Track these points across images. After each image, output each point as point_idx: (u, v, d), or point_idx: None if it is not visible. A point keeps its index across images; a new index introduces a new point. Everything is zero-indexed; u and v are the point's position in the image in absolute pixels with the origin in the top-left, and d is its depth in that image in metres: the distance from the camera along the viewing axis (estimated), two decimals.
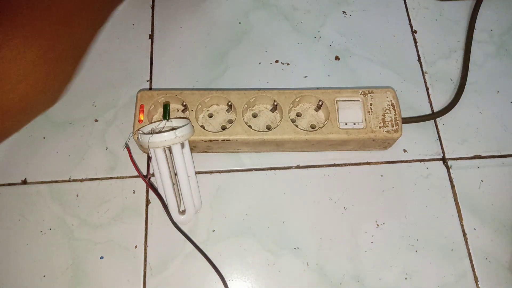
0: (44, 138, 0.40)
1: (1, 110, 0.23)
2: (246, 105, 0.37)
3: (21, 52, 0.23)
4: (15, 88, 0.23)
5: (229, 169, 0.39)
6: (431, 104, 0.42)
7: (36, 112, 0.28)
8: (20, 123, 0.27)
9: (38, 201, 0.37)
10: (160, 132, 0.34)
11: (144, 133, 0.34)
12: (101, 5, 0.32)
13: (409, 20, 0.46)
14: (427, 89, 0.43)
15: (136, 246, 0.36)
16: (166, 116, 0.37)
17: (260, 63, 0.44)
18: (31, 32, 0.23)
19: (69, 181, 0.38)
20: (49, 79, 0.25)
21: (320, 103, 0.37)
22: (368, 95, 0.38)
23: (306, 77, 0.43)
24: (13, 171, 0.38)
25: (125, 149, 0.38)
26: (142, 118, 0.36)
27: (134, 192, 0.38)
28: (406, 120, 0.40)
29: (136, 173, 0.38)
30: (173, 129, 0.34)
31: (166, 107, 0.37)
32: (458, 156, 0.40)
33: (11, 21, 0.22)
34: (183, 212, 0.36)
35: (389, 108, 0.37)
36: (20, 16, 0.23)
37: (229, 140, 0.36)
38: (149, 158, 0.38)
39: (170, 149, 0.35)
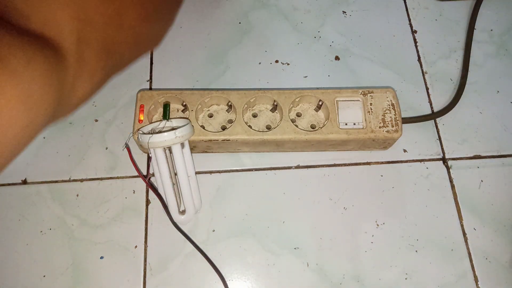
0: (44, 138, 0.40)
1: (126, 28, 0.24)
2: (246, 105, 0.37)
3: None
4: (132, 17, 0.24)
5: (229, 169, 0.39)
6: (431, 104, 0.42)
7: (143, 48, 0.29)
8: (132, 56, 0.28)
9: (38, 201, 0.37)
10: (160, 132, 0.34)
11: (144, 133, 0.34)
12: None
13: (409, 20, 0.46)
14: (427, 89, 0.43)
15: (136, 246, 0.36)
16: (166, 116, 0.37)
17: (260, 63, 0.44)
18: None
19: (69, 181, 0.38)
20: (155, 16, 0.27)
21: (320, 103, 0.37)
22: (368, 95, 0.38)
23: (306, 77, 0.43)
24: (13, 171, 0.38)
25: (125, 149, 0.38)
26: (142, 118, 0.36)
27: (134, 192, 0.38)
28: (406, 120, 0.40)
29: (136, 173, 0.38)
30: (173, 129, 0.34)
31: (166, 107, 0.37)
32: (458, 156, 0.40)
33: None
34: (183, 212, 0.36)
35: (389, 108, 0.37)
36: None
37: (229, 140, 0.36)
38: (149, 158, 0.38)
39: (170, 149, 0.35)
